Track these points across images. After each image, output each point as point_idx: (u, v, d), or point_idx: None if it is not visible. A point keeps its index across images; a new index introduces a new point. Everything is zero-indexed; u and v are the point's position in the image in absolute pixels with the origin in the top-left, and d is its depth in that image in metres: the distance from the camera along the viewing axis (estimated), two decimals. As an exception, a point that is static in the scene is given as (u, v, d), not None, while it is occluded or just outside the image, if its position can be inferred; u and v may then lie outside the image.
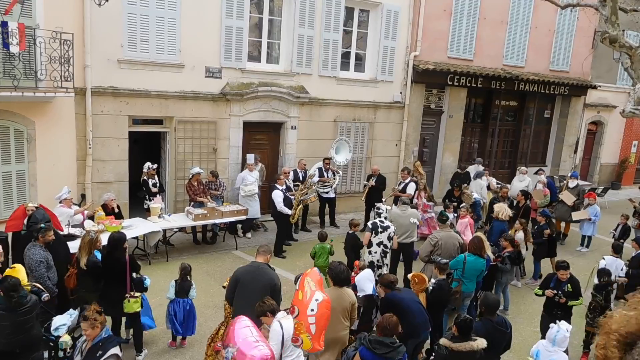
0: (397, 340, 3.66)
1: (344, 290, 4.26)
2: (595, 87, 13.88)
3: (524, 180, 10.18)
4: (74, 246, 5.68)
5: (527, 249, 7.75)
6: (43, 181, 7.22)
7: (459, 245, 6.05)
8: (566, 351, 4.22)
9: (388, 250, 6.23)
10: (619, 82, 15.01)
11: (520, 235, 7.29)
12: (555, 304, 5.33)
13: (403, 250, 6.89)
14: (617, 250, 6.67)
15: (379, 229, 6.13)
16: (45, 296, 4.25)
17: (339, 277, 4.20)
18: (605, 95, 14.88)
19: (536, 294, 5.71)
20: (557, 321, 4.35)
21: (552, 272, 5.73)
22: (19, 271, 4.14)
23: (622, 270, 6.53)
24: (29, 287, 4.17)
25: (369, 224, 6.32)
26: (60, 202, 6.47)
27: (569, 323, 5.31)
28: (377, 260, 6.15)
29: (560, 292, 5.23)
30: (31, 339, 4.06)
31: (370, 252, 6.15)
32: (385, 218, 6.31)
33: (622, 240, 7.95)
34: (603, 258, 6.54)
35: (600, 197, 12.14)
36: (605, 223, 9.87)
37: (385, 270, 6.17)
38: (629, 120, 14.79)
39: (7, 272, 4.17)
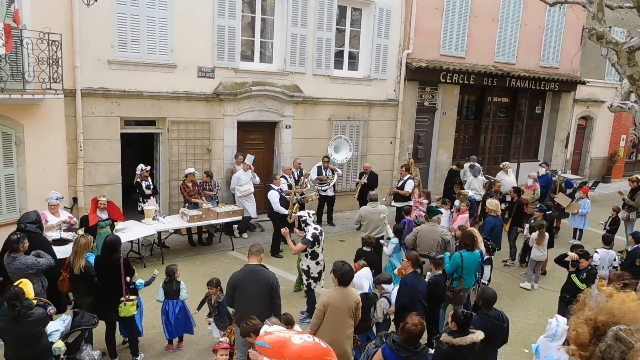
0: (421, 344, 3.61)
1: (349, 290, 4.26)
2: (584, 83, 14.05)
3: (511, 175, 10.34)
4: (66, 250, 5.58)
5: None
6: (33, 185, 7.06)
7: (440, 241, 5.88)
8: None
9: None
10: (607, 77, 15.23)
11: (534, 235, 7.27)
12: (566, 288, 5.48)
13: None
14: (607, 241, 6.77)
15: (320, 238, 5.86)
16: (51, 309, 4.15)
17: (345, 277, 4.20)
18: (594, 90, 15.08)
19: (554, 260, 5.97)
20: (556, 315, 4.39)
21: (564, 252, 5.85)
22: (26, 284, 4.03)
23: (614, 260, 6.62)
24: (35, 302, 4.06)
25: (309, 236, 5.78)
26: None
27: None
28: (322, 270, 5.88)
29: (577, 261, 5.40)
30: (39, 353, 3.94)
31: (318, 263, 5.84)
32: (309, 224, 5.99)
33: (610, 231, 8.10)
34: (596, 252, 6.59)
35: (591, 191, 12.30)
36: (596, 216, 10.01)
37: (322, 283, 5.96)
38: (617, 114, 15.00)
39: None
